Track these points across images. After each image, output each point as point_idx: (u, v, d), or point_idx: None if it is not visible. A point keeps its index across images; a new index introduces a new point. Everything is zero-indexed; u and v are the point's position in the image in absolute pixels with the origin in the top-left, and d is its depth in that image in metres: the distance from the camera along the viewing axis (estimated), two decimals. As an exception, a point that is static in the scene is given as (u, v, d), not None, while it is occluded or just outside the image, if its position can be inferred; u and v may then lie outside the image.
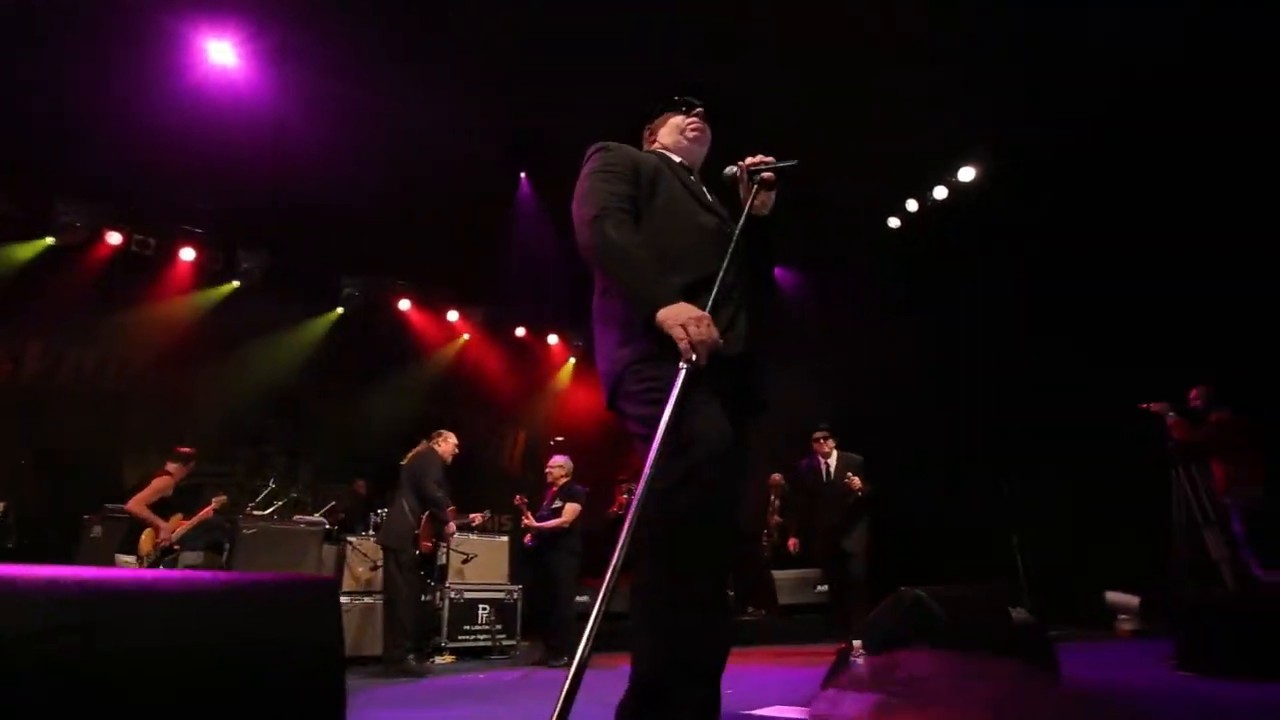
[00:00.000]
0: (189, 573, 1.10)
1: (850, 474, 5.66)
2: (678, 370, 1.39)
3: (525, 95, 6.29)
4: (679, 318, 1.41)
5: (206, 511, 5.62)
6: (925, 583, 2.78)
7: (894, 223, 7.02)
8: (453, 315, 9.11)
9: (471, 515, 5.53)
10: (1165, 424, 4.97)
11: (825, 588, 6.42)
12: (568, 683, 1.05)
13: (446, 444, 5.24)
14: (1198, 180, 5.41)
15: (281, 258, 8.03)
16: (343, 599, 5.40)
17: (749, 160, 1.79)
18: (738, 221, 1.72)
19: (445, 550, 5.74)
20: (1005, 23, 5.14)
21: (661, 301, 1.45)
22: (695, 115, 1.96)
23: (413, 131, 6.52)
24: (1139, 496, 5.32)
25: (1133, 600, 5.30)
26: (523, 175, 7.00)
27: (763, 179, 1.74)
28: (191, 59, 5.66)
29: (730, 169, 1.83)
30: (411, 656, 4.70)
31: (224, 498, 5.75)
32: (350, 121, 6.28)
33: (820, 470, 5.87)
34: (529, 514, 5.60)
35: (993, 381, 6.40)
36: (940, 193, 6.63)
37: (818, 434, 5.95)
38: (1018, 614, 2.95)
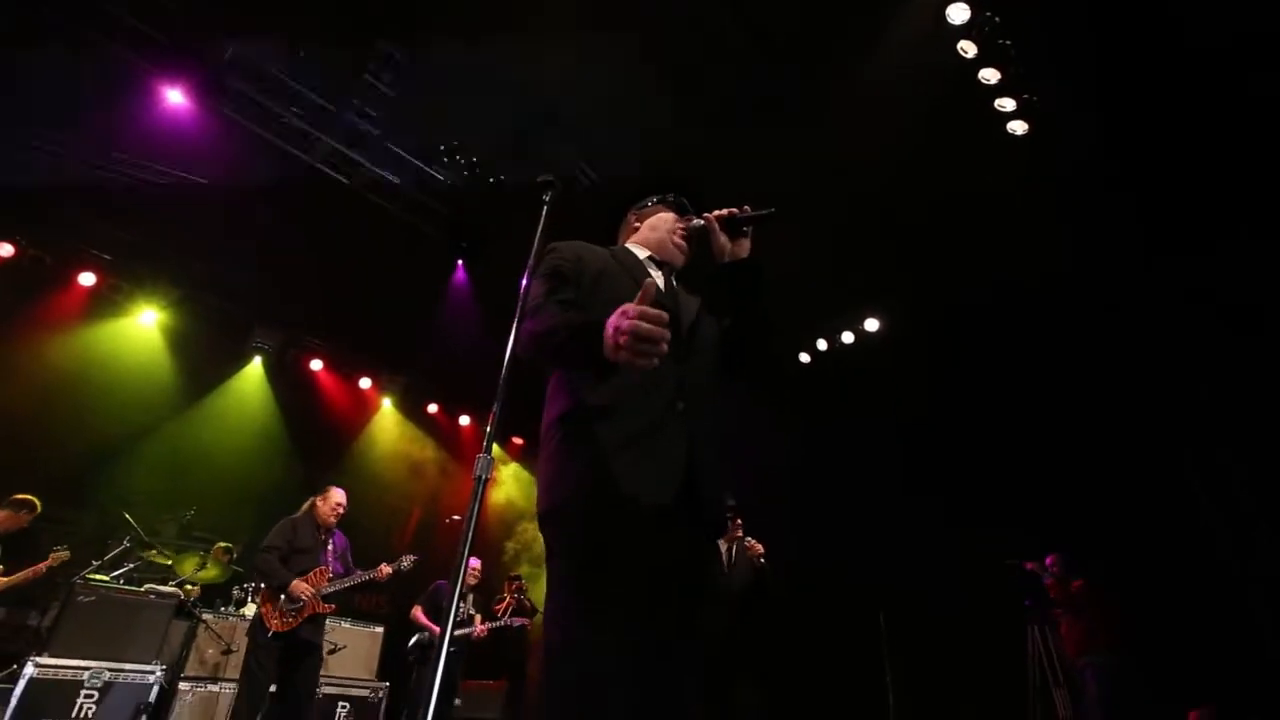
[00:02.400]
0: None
1: (751, 541, 4.79)
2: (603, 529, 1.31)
3: (472, 183, 6.53)
4: (608, 335, 1.27)
5: (38, 568, 5.05)
6: None
7: (805, 358, 7.53)
8: (365, 382, 8.86)
9: (380, 567, 4.69)
10: (1043, 583, 5.34)
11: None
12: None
13: (326, 502, 4.78)
14: (1070, 358, 6.10)
15: (193, 296, 7.68)
16: (181, 685, 4.88)
17: (719, 211, 1.78)
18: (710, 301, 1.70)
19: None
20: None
21: (598, 331, 1.30)
22: (687, 219, 1.90)
23: (352, 194, 6.58)
24: (1007, 647, 5.60)
25: (989, 752, 5.50)
26: (460, 262, 7.11)
27: (741, 229, 1.75)
28: (135, 91, 5.61)
29: (696, 222, 1.82)
30: None
31: (65, 553, 5.19)
32: (286, 173, 6.28)
33: (721, 556, 4.85)
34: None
35: (875, 520, 6.73)
36: (847, 337, 7.21)
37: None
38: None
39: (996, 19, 4.66)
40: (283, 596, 4.36)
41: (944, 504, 6.29)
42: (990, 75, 4.91)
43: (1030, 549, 5.40)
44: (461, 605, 5.26)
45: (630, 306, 1.26)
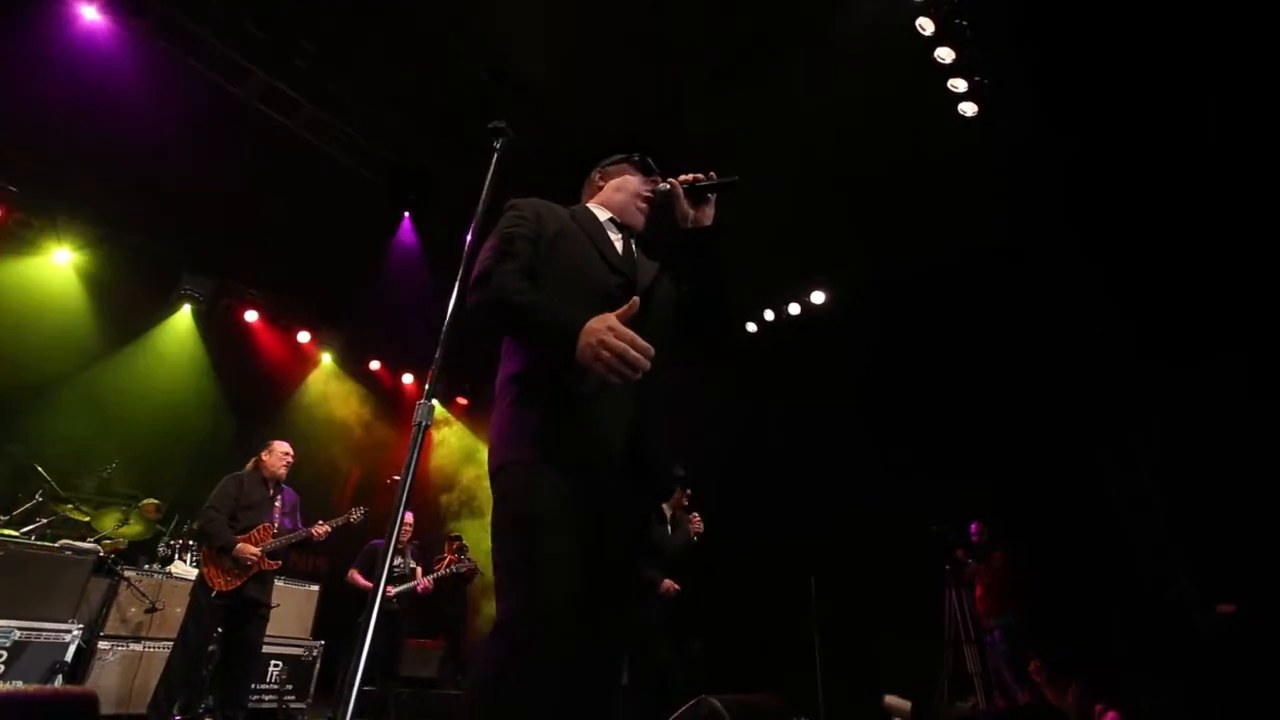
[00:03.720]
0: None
1: (695, 516, 4.69)
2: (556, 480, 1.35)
3: (420, 135, 6.26)
4: (590, 343, 1.32)
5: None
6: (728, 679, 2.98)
7: (751, 327, 7.64)
8: (304, 336, 8.52)
9: (316, 526, 4.59)
10: (957, 559, 5.65)
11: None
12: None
13: (271, 455, 4.66)
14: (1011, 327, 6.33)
15: (114, 237, 7.15)
16: (100, 644, 4.69)
17: (684, 176, 1.78)
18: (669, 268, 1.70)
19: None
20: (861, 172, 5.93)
21: (573, 331, 1.35)
22: (652, 181, 1.89)
23: (291, 136, 6.20)
24: (928, 603, 5.94)
25: (905, 705, 5.87)
26: (407, 215, 6.85)
27: (704, 196, 1.76)
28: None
29: (662, 185, 1.82)
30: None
31: None
32: (219, 110, 5.87)
33: (664, 522, 4.65)
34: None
35: (810, 481, 6.93)
36: (794, 309, 7.34)
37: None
38: (796, 723, 3.25)
39: (955, -2, 4.70)
40: (226, 557, 4.23)
41: (875, 471, 6.54)
42: (945, 54, 4.97)
43: (953, 515, 5.69)
44: (400, 560, 5.24)
45: (621, 328, 1.33)
